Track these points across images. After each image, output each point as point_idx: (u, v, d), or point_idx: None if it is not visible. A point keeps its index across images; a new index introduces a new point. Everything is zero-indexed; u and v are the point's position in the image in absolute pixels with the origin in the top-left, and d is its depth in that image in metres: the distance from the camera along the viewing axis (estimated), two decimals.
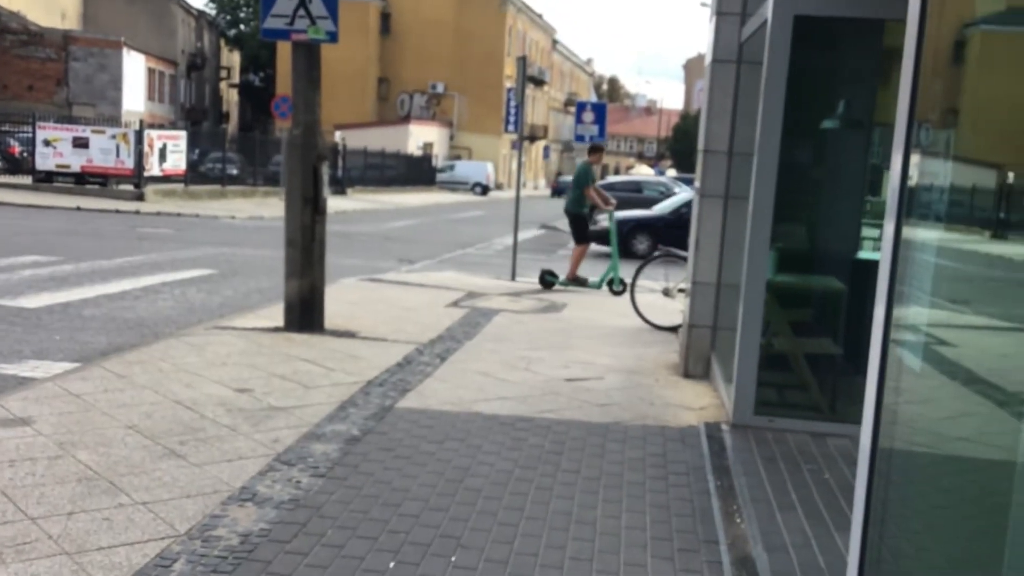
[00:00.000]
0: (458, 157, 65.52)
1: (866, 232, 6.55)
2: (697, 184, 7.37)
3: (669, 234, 16.99)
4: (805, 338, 6.26)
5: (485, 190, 55.15)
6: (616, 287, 12.06)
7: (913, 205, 2.76)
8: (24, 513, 4.05)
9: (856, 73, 6.48)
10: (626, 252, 16.65)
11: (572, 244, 13.24)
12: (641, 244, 19.07)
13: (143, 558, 3.71)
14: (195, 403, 5.88)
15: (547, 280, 12.53)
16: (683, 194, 23.08)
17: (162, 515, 4.13)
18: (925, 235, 2.77)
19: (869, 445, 2.78)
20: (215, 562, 3.72)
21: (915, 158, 2.70)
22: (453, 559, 3.87)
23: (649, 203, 32.75)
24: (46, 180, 27.83)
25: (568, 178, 44.30)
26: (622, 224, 16.84)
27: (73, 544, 3.79)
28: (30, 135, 28.92)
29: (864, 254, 6.28)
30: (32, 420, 5.34)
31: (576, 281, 12.63)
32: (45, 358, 7.34)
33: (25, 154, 31.79)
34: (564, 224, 29.25)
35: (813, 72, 6.14)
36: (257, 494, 4.45)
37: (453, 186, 54.67)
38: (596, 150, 12.90)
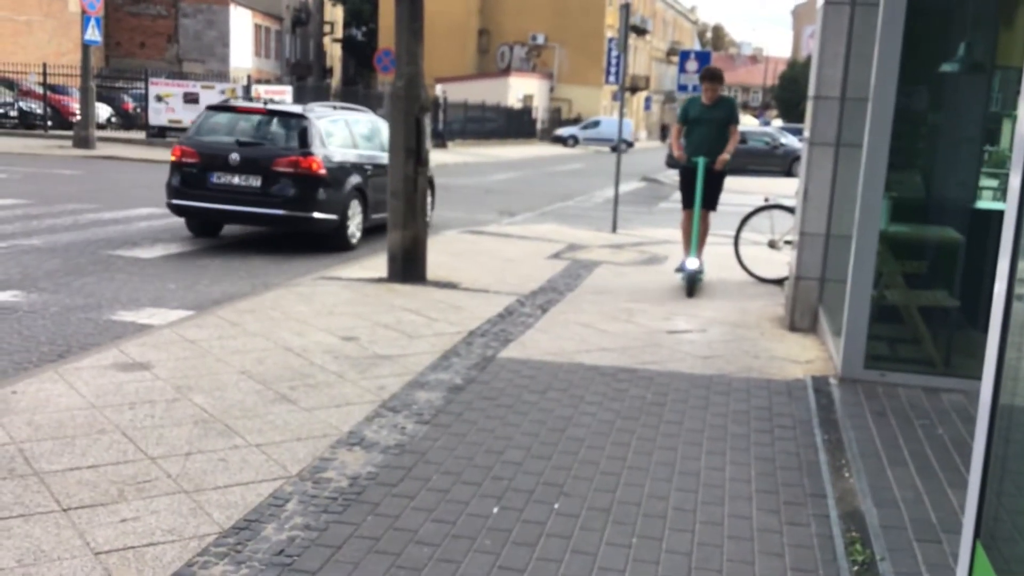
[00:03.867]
0: (558, 110, 65.05)
1: (985, 182, 6.28)
2: (806, 132, 7.15)
3: None
4: (919, 290, 6.06)
5: (629, 146, 54.12)
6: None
7: None
8: (144, 453, 4.23)
9: (977, 13, 6.16)
10: None
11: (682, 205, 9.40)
12: None
13: (257, 497, 3.84)
14: (304, 350, 6.03)
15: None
16: None
17: (274, 457, 4.27)
18: None
19: (990, 400, 2.68)
20: (325, 503, 3.83)
21: None
22: (556, 506, 3.90)
23: (754, 154, 32.16)
24: (159, 135, 28.75)
25: None
26: None
27: (191, 483, 3.95)
28: (143, 91, 29.85)
29: (983, 204, 6.02)
30: (151, 365, 5.56)
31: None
32: (161, 306, 7.62)
33: (138, 110, 32.89)
34: (665, 176, 28.92)
35: (932, 12, 5.87)
36: (365, 438, 4.55)
37: (599, 144, 52.44)
38: (706, 78, 9.14)
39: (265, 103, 12.23)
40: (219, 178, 10.74)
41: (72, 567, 3.23)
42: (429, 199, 13.53)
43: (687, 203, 9.18)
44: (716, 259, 10.13)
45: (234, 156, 10.71)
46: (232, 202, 10.74)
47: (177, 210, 11.16)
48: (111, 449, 4.26)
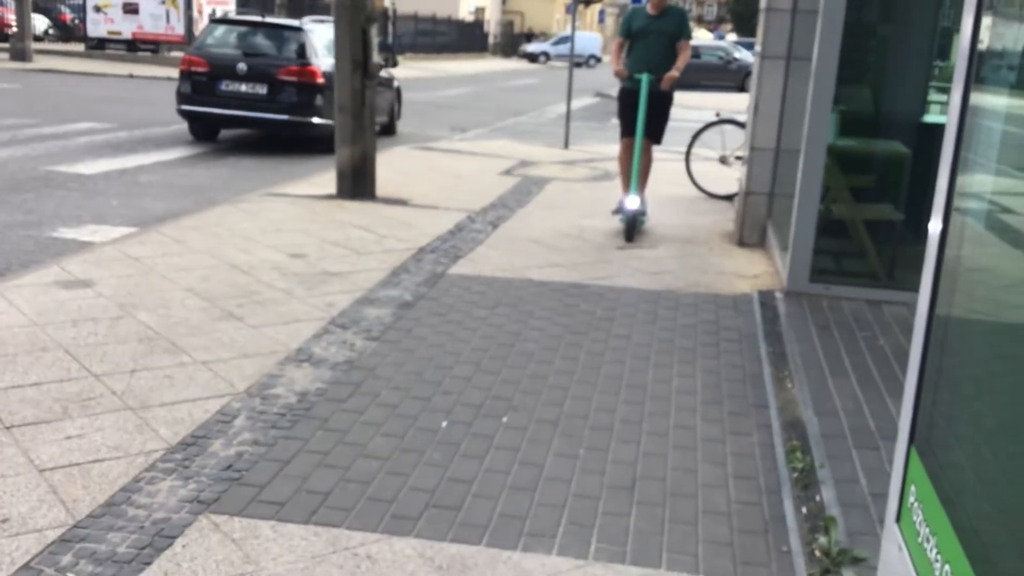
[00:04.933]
0: (510, 23, 63.95)
1: (934, 96, 6.30)
2: (757, 46, 7.11)
3: None
4: (865, 204, 6.12)
5: (598, 61, 52.65)
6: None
7: (983, 70, 2.62)
8: (88, 370, 4.18)
9: None
10: None
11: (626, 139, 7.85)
12: None
13: (204, 414, 3.83)
14: (251, 268, 5.96)
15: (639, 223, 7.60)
16: None
17: (222, 374, 4.24)
18: (994, 101, 2.64)
19: (926, 311, 2.73)
20: (274, 418, 3.82)
21: (987, 20, 2.55)
22: (504, 420, 3.93)
23: (707, 69, 31.97)
24: (98, 47, 27.85)
25: None
26: None
27: (136, 400, 3.92)
28: (81, 2, 28.79)
29: (931, 117, 6.05)
30: (93, 282, 5.46)
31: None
32: (104, 223, 7.47)
33: (76, 21, 31.77)
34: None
35: None
36: (313, 355, 4.54)
37: (566, 60, 50.83)
38: None
39: (263, 16, 13.65)
40: (227, 86, 11.97)
41: (16, 484, 3.20)
42: (396, 108, 14.89)
43: (627, 130, 7.76)
44: (667, 175, 10.12)
45: (241, 66, 11.95)
46: (240, 108, 11.93)
47: (187, 115, 12.26)
48: (54, 367, 4.20)
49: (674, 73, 7.47)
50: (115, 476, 3.30)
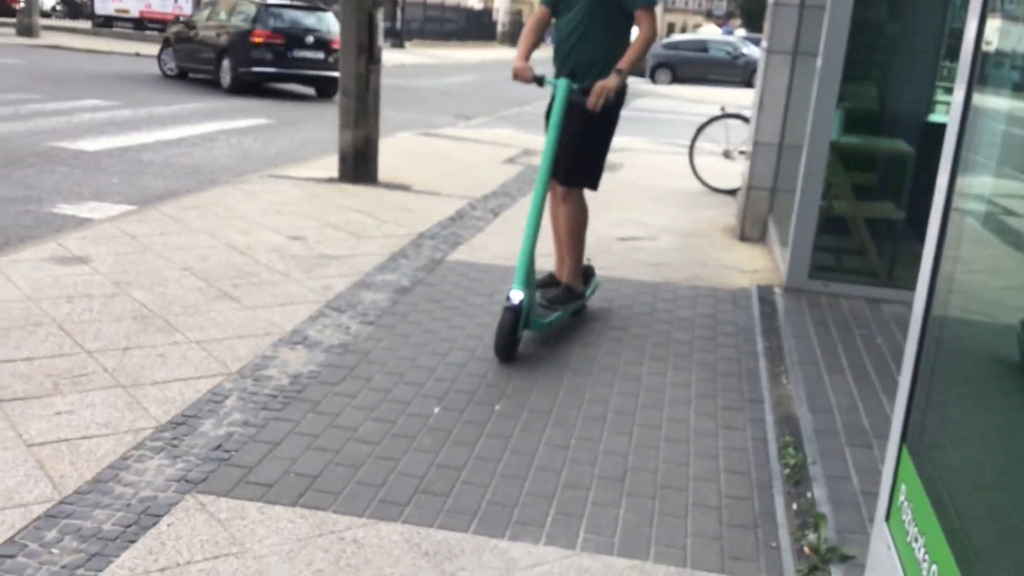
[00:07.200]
0: (519, 12, 63.73)
1: (940, 96, 6.26)
2: (764, 41, 7.07)
3: None
4: (867, 202, 6.09)
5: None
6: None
7: (987, 70, 2.60)
8: (81, 347, 4.17)
9: None
10: None
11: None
12: None
13: (196, 393, 3.81)
14: (249, 248, 5.94)
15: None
16: None
17: (215, 354, 4.23)
18: (997, 102, 2.62)
19: (922, 310, 2.71)
20: (265, 400, 3.81)
21: (995, 22, 2.53)
22: (497, 408, 3.91)
23: (715, 64, 31.84)
24: (105, 25, 27.80)
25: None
26: None
27: (128, 377, 3.90)
28: None
29: (936, 117, 6.02)
30: (90, 259, 5.44)
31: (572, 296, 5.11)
32: (103, 200, 7.45)
33: None
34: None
35: None
36: (307, 338, 4.52)
37: None
38: None
39: (299, 2, 17.74)
40: (298, 53, 16.39)
41: (4, 459, 3.19)
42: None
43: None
44: (672, 168, 10.07)
45: (309, 38, 16.37)
46: (307, 68, 16.53)
47: (255, 75, 16.23)
48: (47, 342, 4.18)
49: (610, 81, 4.63)
50: (103, 453, 3.28)
